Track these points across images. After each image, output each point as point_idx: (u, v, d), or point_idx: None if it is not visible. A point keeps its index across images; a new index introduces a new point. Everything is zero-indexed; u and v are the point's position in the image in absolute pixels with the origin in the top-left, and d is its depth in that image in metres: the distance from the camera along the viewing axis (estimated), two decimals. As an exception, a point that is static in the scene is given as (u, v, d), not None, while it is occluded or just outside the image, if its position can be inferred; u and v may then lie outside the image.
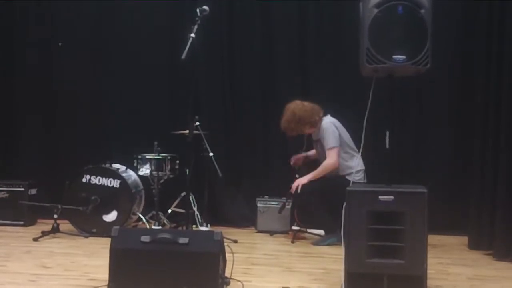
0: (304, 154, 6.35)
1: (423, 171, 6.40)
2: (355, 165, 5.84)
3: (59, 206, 6.00)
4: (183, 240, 3.67)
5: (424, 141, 6.52)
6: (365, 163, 5.81)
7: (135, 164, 6.29)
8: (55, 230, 5.98)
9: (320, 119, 6.00)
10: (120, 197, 6.11)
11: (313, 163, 6.13)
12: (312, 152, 6.33)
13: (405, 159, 6.28)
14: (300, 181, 5.90)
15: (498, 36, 5.27)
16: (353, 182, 5.52)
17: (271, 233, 6.36)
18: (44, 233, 5.92)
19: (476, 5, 5.82)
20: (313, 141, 6.16)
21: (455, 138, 6.42)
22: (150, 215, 6.32)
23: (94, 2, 7.18)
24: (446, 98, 6.46)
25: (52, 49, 7.22)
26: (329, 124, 5.95)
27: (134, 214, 6.27)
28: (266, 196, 6.51)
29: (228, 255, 3.93)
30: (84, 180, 6.14)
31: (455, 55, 6.40)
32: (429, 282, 4.01)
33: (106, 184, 6.13)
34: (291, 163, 6.33)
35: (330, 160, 5.84)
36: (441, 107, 6.47)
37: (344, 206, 4.04)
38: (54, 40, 7.19)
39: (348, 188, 4.12)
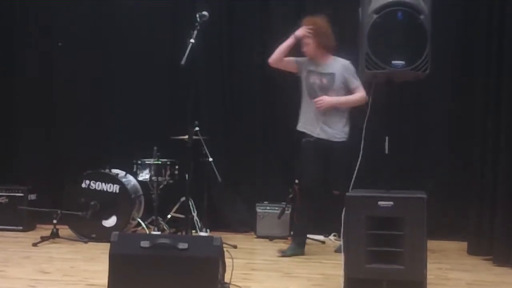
0: None
1: (422, 176, 6.39)
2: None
3: (59, 211, 5.99)
4: (182, 245, 3.67)
5: (423, 146, 6.52)
6: (364, 169, 5.79)
7: (134, 170, 6.29)
8: (54, 235, 5.97)
9: (333, 50, 5.60)
10: (120, 202, 6.11)
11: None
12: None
13: (405, 164, 6.28)
14: (327, 100, 5.43)
15: (498, 36, 5.27)
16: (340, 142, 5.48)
17: (271, 238, 6.36)
18: (43, 238, 5.91)
19: (476, 5, 5.82)
20: (313, 71, 5.58)
21: (454, 143, 6.42)
22: (149, 220, 6.32)
23: (94, 5, 7.18)
24: (446, 102, 6.45)
25: (52, 52, 7.23)
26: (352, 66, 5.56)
27: (134, 219, 6.27)
28: (265, 202, 6.50)
29: (227, 261, 3.93)
30: (83, 185, 6.14)
31: (454, 56, 6.40)
32: (429, 288, 4.01)
33: (105, 189, 6.13)
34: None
35: (362, 91, 5.39)
36: (441, 111, 6.47)
37: (343, 211, 4.06)
38: (54, 43, 7.20)
39: (347, 194, 4.13)
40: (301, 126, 5.62)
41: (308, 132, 5.55)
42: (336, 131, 5.49)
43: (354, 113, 5.51)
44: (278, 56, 5.55)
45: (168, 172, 6.24)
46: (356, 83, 5.44)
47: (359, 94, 5.40)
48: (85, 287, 4.35)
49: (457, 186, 6.27)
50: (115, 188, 6.12)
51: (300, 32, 5.51)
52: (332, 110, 5.46)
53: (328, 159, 5.51)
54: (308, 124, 5.56)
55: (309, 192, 5.58)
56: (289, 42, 5.52)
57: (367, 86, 4.65)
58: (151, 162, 6.18)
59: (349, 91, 5.49)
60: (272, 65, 5.62)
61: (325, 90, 5.47)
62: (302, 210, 5.69)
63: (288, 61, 5.62)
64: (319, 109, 5.41)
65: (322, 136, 5.49)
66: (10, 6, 7.31)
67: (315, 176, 5.53)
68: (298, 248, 5.63)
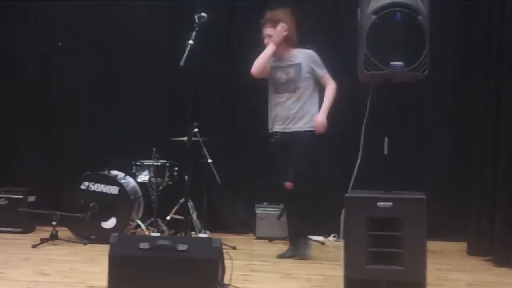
0: None
1: (422, 176, 6.39)
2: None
3: (58, 213, 5.99)
4: (182, 246, 3.66)
5: (422, 146, 6.52)
6: (364, 169, 5.78)
7: (133, 171, 6.29)
8: (53, 237, 5.97)
9: (294, 44, 5.55)
10: (119, 204, 6.11)
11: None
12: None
13: (404, 165, 6.28)
14: (320, 121, 5.40)
15: (498, 36, 5.27)
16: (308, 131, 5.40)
17: (270, 239, 6.36)
18: (42, 240, 5.91)
19: (475, 5, 5.82)
20: (278, 67, 5.53)
21: (454, 144, 6.42)
22: (149, 222, 6.31)
23: (94, 5, 7.18)
24: (445, 102, 6.46)
25: (52, 52, 7.23)
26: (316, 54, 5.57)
27: (133, 221, 6.26)
28: (265, 203, 6.50)
29: (227, 262, 3.92)
30: (82, 187, 6.14)
31: (454, 56, 6.40)
32: (428, 289, 4.01)
33: (104, 191, 6.12)
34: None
35: (333, 83, 5.46)
36: (440, 111, 6.47)
37: (342, 211, 4.06)
38: (54, 43, 7.20)
39: (346, 194, 4.13)
40: (272, 127, 5.57)
41: (278, 130, 5.52)
42: (305, 121, 5.41)
43: (354, 114, 5.52)
44: (262, 65, 5.48)
45: (168, 174, 6.23)
46: (322, 71, 5.45)
47: (331, 86, 5.43)
48: (85, 289, 4.36)
49: (457, 187, 6.28)
50: (114, 189, 6.12)
51: (278, 37, 5.46)
52: (303, 102, 5.42)
53: (291, 150, 5.41)
54: (278, 121, 5.51)
55: (292, 192, 5.44)
56: (270, 50, 5.48)
57: (366, 87, 4.63)
58: (151, 164, 6.18)
59: (317, 80, 5.46)
60: (255, 76, 5.54)
61: (293, 82, 5.43)
62: (288, 211, 5.70)
63: (268, 68, 5.57)
64: (319, 131, 5.40)
65: (290, 129, 5.44)
66: (10, 6, 7.32)
67: (282, 173, 5.48)
68: (295, 250, 5.56)
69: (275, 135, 5.54)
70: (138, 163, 6.26)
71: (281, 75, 5.49)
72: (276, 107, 5.52)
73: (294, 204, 5.51)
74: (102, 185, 6.13)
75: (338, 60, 6.53)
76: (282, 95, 5.47)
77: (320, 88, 5.52)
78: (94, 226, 6.05)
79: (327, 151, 6.55)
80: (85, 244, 6.00)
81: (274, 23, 5.48)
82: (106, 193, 6.12)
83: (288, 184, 5.39)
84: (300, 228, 5.57)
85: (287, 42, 5.50)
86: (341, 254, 4.10)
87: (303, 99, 5.43)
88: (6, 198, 6.65)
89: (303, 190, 5.39)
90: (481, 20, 5.59)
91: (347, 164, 5.84)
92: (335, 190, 6.19)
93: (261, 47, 6.85)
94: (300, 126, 5.42)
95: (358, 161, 4.47)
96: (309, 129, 5.41)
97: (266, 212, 6.45)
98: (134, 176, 6.32)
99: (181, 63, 5.15)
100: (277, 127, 5.51)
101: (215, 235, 5.68)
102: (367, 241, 3.96)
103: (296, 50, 5.53)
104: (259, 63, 5.48)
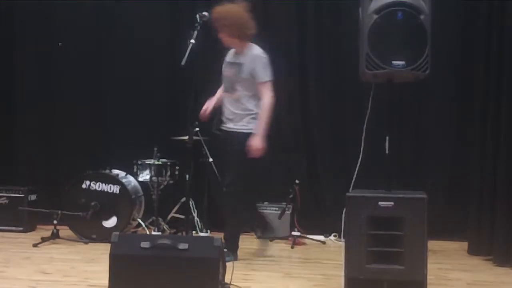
0: (212, 102, 5.48)
1: (423, 176, 6.39)
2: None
3: (59, 212, 5.99)
4: (183, 246, 3.66)
5: (423, 146, 6.52)
6: (364, 168, 5.78)
7: (135, 170, 6.29)
8: (54, 236, 5.97)
9: (249, 38, 5.23)
10: (120, 203, 6.11)
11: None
12: (219, 94, 5.49)
13: (405, 164, 6.29)
14: (259, 144, 5.05)
15: (498, 36, 5.27)
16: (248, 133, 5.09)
17: (271, 238, 6.35)
18: (43, 239, 5.91)
19: (476, 5, 5.81)
20: (227, 62, 5.35)
21: (454, 143, 6.42)
22: (150, 221, 6.31)
23: (94, 5, 7.18)
24: (446, 102, 6.45)
25: (52, 52, 7.23)
26: (265, 55, 5.19)
27: (134, 220, 6.26)
28: (265, 202, 6.50)
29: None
30: (84, 186, 6.14)
31: (455, 56, 6.38)
32: (429, 288, 4.01)
33: (105, 190, 6.12)
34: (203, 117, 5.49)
35: (268, 97, 5.06)
36: (441, 111, 6.46)
37: (344, 211, 4.06)
38: (54, 43, 7.20)
39: (348, 194, 4.13)
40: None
41: (221, 127, 5.37)
42: (243, 122, 5.17)
43: (355, 114, 5.51)
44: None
45: (169, 173, 6.24)
46: (262, 77, 5.07)
47: (265, 101, 5.07)
48: (86, 288, 4.36)
49: (458, 186, 6.27)
50: (115, 188, 6.12)
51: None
52: (240, 104, 5.18)
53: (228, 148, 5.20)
54: (224, 120, 5.34)
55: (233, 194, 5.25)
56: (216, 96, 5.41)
57: (367, 86, 4.63)
58: (152, 163, 6.18)
59: (256, 84, 5.13)
60: None
61: (232, 83, 5.20)
62: (231, 213, 5.34)
63: None
64: (255, 156, 5.06)
65: (229, 128, 5.27)
66: (10, 6, 7.32)
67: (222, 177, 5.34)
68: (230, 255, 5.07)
69: (216, 136, 5.44)
70: (139, 162, 6.26)
71: (226, 73, 5.31)
72: (223, 106, 5.35)
73: (225, 207, 5.37)
74: (103, 184, 6.13)
75: (339, 59, 6.58)
76: (225, 94, 5.31)
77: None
78: (95, 225, 6.05)
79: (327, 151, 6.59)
80: (86, 243, 6.00)
81: (216, 24, 5.20)
82: (107, 192, 6.12)
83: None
84: (229, 235, 5.27)
85: (238, 38, 5.19)
86: (342, 253, 4.11)
87: (240, 102, 5.19)
88: (7, 197, 6.65)
89: (231, 195, 5.17)
90: (481, 20, 5.59)
91: (348, 163, 5.87)
92: (336, 189, 6.24)
93: (262, 46, 6.90)
94: (238, 127, 5.19)
95: (359, 160, 4.47)
96: (245, 130, 5.14)
97: (267, 211, 6.43)
98: (135, 175, 6.32)
99: (183, 62, 5.14)
100: (223, 126, 5.35)
101: (216, 234, 5.69)
102: (368, 240, 3.96)
103: (248, 47, 5.22)
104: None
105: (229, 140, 5.20)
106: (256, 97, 5.15)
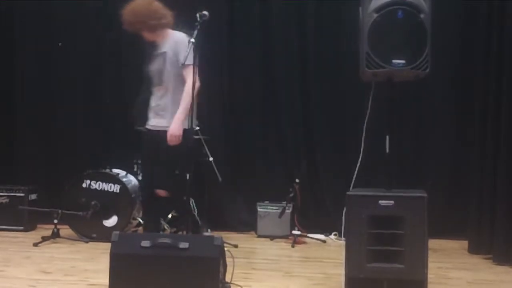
0: None
1: (423, 175, 6.39)
2: None
3: (59, 211, 5.99)
4: (183, 245, 3.66)
5: (424, 145, 6.52)
6: (365, 167, 5.77)
7: (135, 169, 6.29)
8: (55, 235, 5.97)
9: (167, 25, 4.95)
10: (120, 202, 6.11)
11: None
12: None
13: (405, 163, 6.29)
14: (176, 130, 4.73)
15: (498, 36, 5.27)
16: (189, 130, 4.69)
17: (272, 237, 6.36)
18: (44, 238, 5.91)
19: (476, 4, 5.81)
20: (151, 55, 5.06)
21: (455, 142, 6.42)
22: (150, 220, 6.31)
23: (94, 5, 7.17)
24: (446, 100, 6.46)
25: (52, 52, 7.23)
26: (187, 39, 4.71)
27: (134, 219, 6.26)
28: (266, 201, 6.50)
29: (228, 260, 3.92)
30: (84, 185, 6.14)
31: (455, 55, 6.39)
32: (429, 287, 4.01)
33: (106, 189, 6.12)
34: None
35: (190, 80, 4.56)
36: (441, 110, 6.47)
37: (344, 210, 4.06)
38: (54, 43, 7.20)
39: (348, 192, 4.13)
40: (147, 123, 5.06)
41: (148, 127, 5.04)
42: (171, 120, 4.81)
43: (355, 113, 5.50)
44: None
45: (169, 172, 6.22)
46: (184, 58, 4.58)
47: (187, 86, 4.69)
48: (86, 287, 4.35)
49: (458, 185, 6.28)
50: (115, 187, 6.12)
51: None
52: (169, 98, 4.88)
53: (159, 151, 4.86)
54: (149, 117, 5.04)
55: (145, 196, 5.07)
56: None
57: (367, 85, 4.62)
58: (152, 162, 6.17)
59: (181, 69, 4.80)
60: None
61: (159, 75, 4.90)
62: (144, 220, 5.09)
63: None
64: (172, 144, 4.73)
65: (157, 126, 4.92)
66: (10, 6, 7.32)
67: (146, 178, 5.10)
68: None
69: (143, 133, 5.08)
70: (140, 162, 6.25)
71: (150, 67, 5.02)
72: (151, 99, 5.03)
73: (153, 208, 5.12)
74: (104, 183, 6.13)
75: (339, 57, 6.58)
76: (154, 88, 4.99)
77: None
78: (95, 224, 6.06)
79: (326, 151, 6.59)
80: (86, 242, 6.00)
81: (131, 28, 4.96)
82: (107, 191, 6.12)
83: (160, 192, 5.00)
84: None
85: (156, 29, 4.90)
86: (342, 252, 4.11)
87: (170, 94, 4.88)
88: (8, 196, 6.64)
89: (175, 199, 5.02)
90: (481, 19, 5.59)
91: (348, 162, 5.86)
92: (336, 188, 6.25)
93: (262, 46, 6.91)
94: (167, 125, 4.83)
95: (360, 159, 4.47)
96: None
97: (268, 210, 6.44)
98: (136, 175, 6.32)
99: (183, 61, 5.13)
100: (148, 122, 5.03)
101: (217, 233, 5.69)
102: (368, 239, 3.96)
103: (169, 35, 4.97)
104: None
105: (160, 139, 4.82)
106: (182, 88, 4.85)
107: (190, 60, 4.53)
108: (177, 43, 4.83)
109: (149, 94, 5.06)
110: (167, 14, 4.94)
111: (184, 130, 4.76)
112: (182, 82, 4.82)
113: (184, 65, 4.63)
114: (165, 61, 4.87)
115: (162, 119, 4.89)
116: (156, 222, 5.29)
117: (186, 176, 4.41)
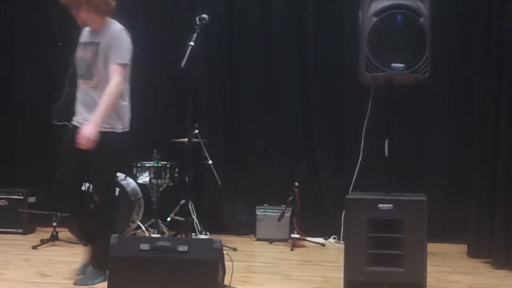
0: None
1: (423, 177, 6.39)
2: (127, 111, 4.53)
3: (58, 214, 5.99)
4: (182, 248, 3.67)
5: (423, 148, 6.52)
6: (364, 171, 5.79)
7: (134, 172, 6.28)
8: (54, 238, 5.97)
9: (108, 11, 4.44)
10: (119, 205, 6.08)
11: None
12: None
13: (405, 167, 6.29)
14: (91, 133, 4.18)
15: (498, 39, 5.27)
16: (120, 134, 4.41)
17: (271, 241, 6.35)
18: (43, 241, 5.91)
19: (475, 8, 5.81)
20: (82, 43, 4.49)
21: (454, 145, 6.41)
22: (149, 223, 6.31)
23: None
24: (445, 104, 6.45)
25: (52, 52, 7.23)
26: (127, 33, 4.46)
27: (133, 222, 6.26)
28: (265, 204, 6.50)
29: (227, 263, 3.92)
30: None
31: (454, 58, 6.38)
32: (429, 290, 4.01)
33: (105, 192, 6.11)
34: None
35: (115, 81, 4.27)
36: (441, 113, 6.46)
37: (343, 213, 4.06)
38: (54, 43, 7.18)
39: (347, 196, 4.13)
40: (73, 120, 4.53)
41: (72, 123, 4.51)
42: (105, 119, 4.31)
43: (354, 116, 5.49)
44: None
45: (168, 175, 6.23)
46: (115, 58, 4.29)
47: (111, 86, 4.27)
48: (85, 290, 4.35)
49: (457, 189, 6.27)
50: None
51: None
52: (97, 91, 4.34)
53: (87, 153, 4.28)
54: (77, 113, 4.50)
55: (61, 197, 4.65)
56: None
57: (367, 88, 4.62)
58: (151, 165, 6.18)
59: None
60: None
61: (90, 66, 4.34)
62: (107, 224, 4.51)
63: None
64: (83, 147, 4.20)
65: (83, 125, 4.33)
66: (10, 6, 7.32)
67: (65, 174, 4.52)
68: (84, 271, 4.58)
69: (68, 128, 4.54)
70: (139, 164, 6.26)
71: (81, 55, 4.43)
72: (78, 96, 4.48)
73: (98, 221, 4.57)
74: (103, 186, 6.12)
75: (339, 61, 6.58)
76: (80, 81, 4.42)
77: (130, 78, 4.56)
78: (94, 227, 6.04)
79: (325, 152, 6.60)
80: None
81: (71, 3, 4.45)
82: (106, 194, 6.10)
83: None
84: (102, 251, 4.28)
85: (96, 13, 4.37)
86: (341, 255, 4.11)
87: (101, 90, 4.32)
88: (7, 199, 6.64)
89: (107, 204, 4.57)
90: (481, 22, 5.59)
91: (348, 165, 5.87)
92: (335, 192, 6.25)
93: (262, 47, 6.91)
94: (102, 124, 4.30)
95: (359, 161, 4.48)
96: (109, 130, 4.36)
97: (267, 213, 6.44)
98: (135, 177, 6.31)
99: (182, 64, 5.14)
100: (75, 119, 4.49)
101: (216, 237, 5.69)
102: (368, 243, 3.97)
103: (108, 24, 4.45)
104: None
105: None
106: (123, 97, 4.49)
107: (121, 59, 4.32)
108: (114, 38, 4.35)
109: (74, 87, 4.53)
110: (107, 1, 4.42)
111: (112, 132, 4.33)
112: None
113: (112, 64, 4.28)
114: (97, 53, 4.32)
115: (90, 118, 4.30)
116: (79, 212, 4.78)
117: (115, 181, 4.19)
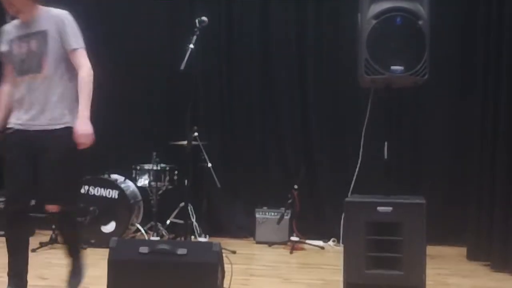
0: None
1: (422, 180, 6.40)
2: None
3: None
4: (181, 251, 3.66)
5: (422, 151, 6.52)
6: (364, 174, 5.76)
7: (133, 175, 6.29)
8: (53, 241, 5.97)
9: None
10: (119, 208, 6.10)
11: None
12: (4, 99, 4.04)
13: (404, 170, 6.29)
14: (87, 128, 3.87)
15: (497, 42, 5.27)
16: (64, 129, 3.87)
17: (270, 244, 6.35)
18: (42, 244, 5.91)
19: (474, 10, 5.81)
20: (17, 37, 3.94)
21: (453, 149, 6.42)
22: (148, 226, 6.32)
23: (93, 9, 7.16)
24: (445, 107, 6.45)
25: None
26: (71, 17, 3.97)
27: (133, 225, 6.26)
28: (264, 207, 6.50)
29: (226, 266, 3.92)
30: (82, 190, 6.13)
31: (453, 61, 6.39)
32: (428, 293, 4.01)
33: (104, 195, 6.12)
34: None
35: (86, 67, 3.92)
36: (440, 116, 6.46)
37: (342, 216, 4.06)
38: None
39: (346, 199, 4.13)
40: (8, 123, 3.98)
41: (15, 126, 3.94)
42: (55, 114, 3.88)
43: (354, 119, 5.49)
44: None
45: (167, 178, 6.23)
46: (74, 43, 3.92)
47: (84, 73, 3.89)
48: (84, 293, 4.34)
49: (456, 192, 6.27)
50: (114, 193, 6.12)
51: None
52: (53, 86, 3.87)
53: (40, 157, 3.86)
54: (15, 114, 3.96)
55: (11, 212, 4.09)
56: None
57: (366, 91, 4.62)
58: (150, 168, 6.19)
59: (68, 54, 3.92)
60: None
61: (37, 58, 3.86)
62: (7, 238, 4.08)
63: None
64: (83, 147, 3.93)
65: (33, 126, 3.88)
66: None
67: (19, 186, 4.01)
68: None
69: (8, 131, 3.97)
70: (138, 167, 6.26)
71: (20, 50, 3.92)
72: (14, 95, 3.97)
73: (66, 231, 4.30)
74: (102, 189, 6.13)
75: (338, 64, 6.59)
76: (23, 78, 3.90)
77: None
78: (93, 230, 6.05)
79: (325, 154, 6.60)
80: (84, 248, 5.98)
81: None
82: (106, 197, 6.12)
83: (52, 207, 4.11)
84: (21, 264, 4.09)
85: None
86: (341, 258, 4.10)
87: (53, 83, 3.88)
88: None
89: (70, 216, 4.21)
90: (480, 25, 5.59)
91: (347, 168, 5.86)
92: (334, 195, 6.24)
93: (262, 50, 6.91)
94: (50, 122, 3.88)
95: (358, 165, 4.47)
96: (65, 125, 3.90)
97: (266, 216, 6.44)
98: (134, 180, 6.32)
99: (182, 67, 5.15)
100: (14, 120, 3.95)
101: (215, 239, 5.69)
102: (367, 245, 3.96)
103: (44, 11, 3.94)
104: None
105: (40, 143, 3.85)
106: (73, 74, 3.95)
107: (80, 43, 3.95)
108: (64, 22, 3.90)
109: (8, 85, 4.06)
110: None
111: (68, 130, 3.87)
112: (67, 69, 3.93)
113: (73, 50, 3.91)
114: (47, 42, 3.86)
115: (42, 116, 3.86)
116: (21, 241, 4.21)
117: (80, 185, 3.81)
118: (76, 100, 3.91)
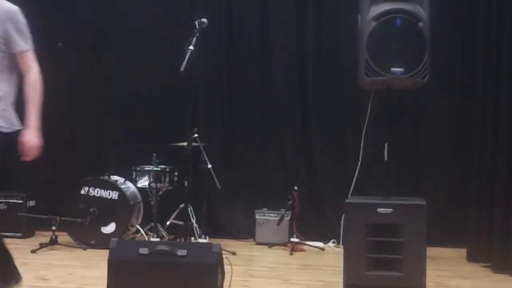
0: None
1: (422, 181, 6.40)
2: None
3: (58, 218, 5.98)
4: (181, 252, 3.66)
5: (422, 152, 6.52)
6: (364, 175, 5.77)
7: (133, 176, 6.28)
8: (53, 242, 5.96)
9: None
10: (119, 209, 6.10)
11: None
12: None
13: (404, 171, 6.29)
14: (36, 139, 3.66)
15: (497, 43, 5.27)
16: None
17: (270, 245, 6.35)
18: (42, 245, 5.90)
19: (474, 12, 5.81)
20: None
21: (453, 150, 6.41)
22: (148, 227, 6.31)
23: (95, 9, 7.16)
24: (445, 109, 6.45)
25: (52, 54, 7.21)
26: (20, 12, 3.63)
27: (133, 226, 6.26)
28: (264, 208, 6.49)
29: (226, 267, 3.91)
30: (82, 192, 6.13)
31: (453, 63, 6.39)
32: (428, 295, 4.01)
33: (104, 196, 6.12)
34: None
35: (35, 71, 3.67)
36: (440, 118, 6.46)
37: (343, 217, 4.06)
38: (54, 44, 7.18)
39: (346, 200, 4.13)
40: None
41: None
42: None
43: (354, 120, 5.49)
44: None
45: (167, 179, 6.23)
46: (22, 44, 3.61)
47: (32, 78, 3.62)
48: (84, 294, 4.35)
49: (456, 193, 6.27)
50: (114, 194, 6.12)
51: None
52: None
53: None
54: None
55: None
56: None
57: (366, 92, 4.62)
58: (150, 169, 6.18)
59: (13, 54, 3.61)
60: None
61: None
62: None
63: None
64: (29, 158, 3.77)
65: None
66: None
67: None
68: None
69: None
70: (138, 169, 6.26)
71: None
72: None
73: None
74: (102, 190, 6.13)
75: (339, 65, 6.59)
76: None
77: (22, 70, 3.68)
78: (93, 231, 6.05)
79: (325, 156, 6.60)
80: (84, 249, 5.99)
81: None
82: (106, 198, 6.11)
83: None
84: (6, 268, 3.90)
85: None
86: (341, 260, 4.10)
87: None
88: (6, 203, 6.63)
89: None
90: (480, 27, 5.59)
91: (347, 169, 5.87)
92: (335, 196, 6.24)
93: (262, 52, 6.92)
94: None
95: (358, 167, 4.47)
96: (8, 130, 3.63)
97: (266, 217, 6.44)
98: (134, 181, 6.31)
99: (181, 68, 5.15)
100: None
101: (215, 241, 5.69)
102: (367, 247, 3.97)
103: None
104: None
105: None
106: (9, 75, 3.65)
107: (28, 45, 3.66)
108: (10, 17, 3.57)
109: None
110: None
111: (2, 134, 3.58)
112: (9, 66, 3.63)
113: (20, 52, 3.62)
114: None
115: None
116: None
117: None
118: (9, 104, 3.60)
